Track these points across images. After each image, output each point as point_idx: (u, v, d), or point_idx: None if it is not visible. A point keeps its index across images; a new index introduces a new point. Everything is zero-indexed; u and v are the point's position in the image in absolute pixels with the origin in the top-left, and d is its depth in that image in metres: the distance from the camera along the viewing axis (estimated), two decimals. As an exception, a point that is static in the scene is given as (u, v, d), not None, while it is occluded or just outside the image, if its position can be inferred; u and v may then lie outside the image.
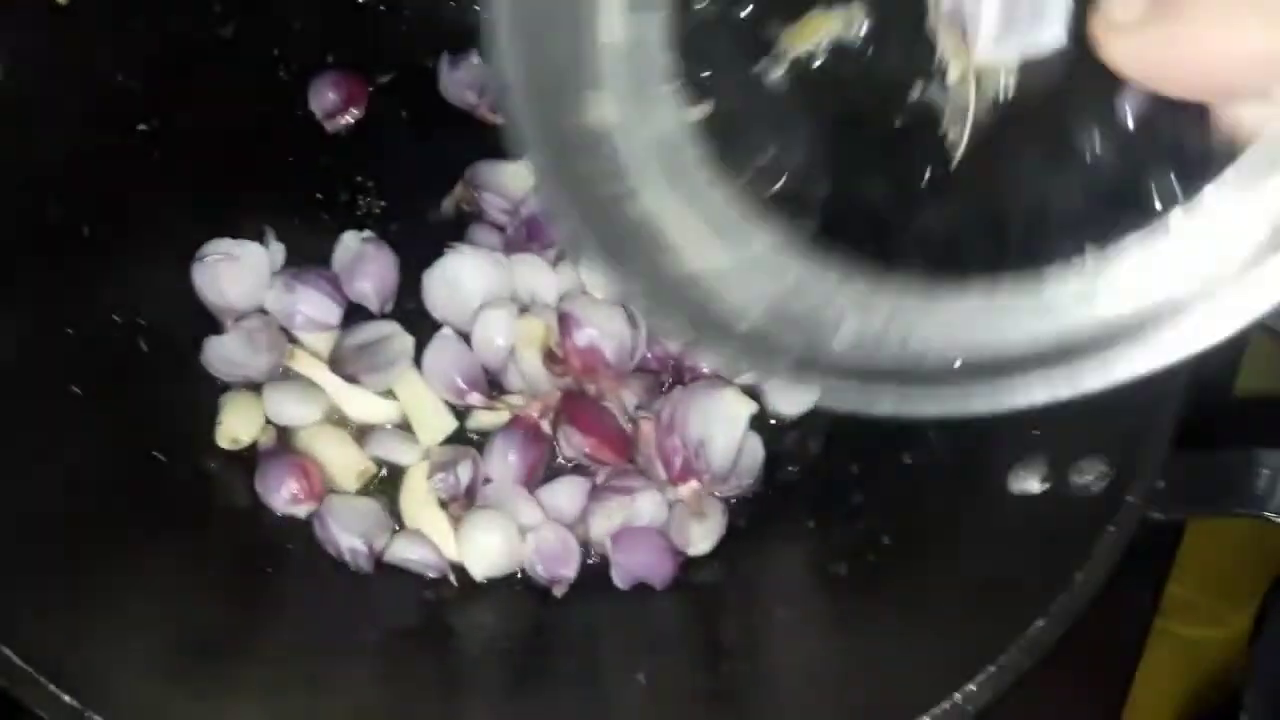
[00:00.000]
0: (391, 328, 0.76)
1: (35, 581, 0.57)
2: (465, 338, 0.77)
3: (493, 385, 0.77)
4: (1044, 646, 0.54)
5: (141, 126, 0.77)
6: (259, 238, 0.78)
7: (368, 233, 0.79)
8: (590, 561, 0.73)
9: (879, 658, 0.59)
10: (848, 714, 0.56)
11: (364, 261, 0.77)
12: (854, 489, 0.73)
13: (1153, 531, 0.91)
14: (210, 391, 0.75)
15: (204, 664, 0.60)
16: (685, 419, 0.72)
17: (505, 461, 0.73)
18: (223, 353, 0.75)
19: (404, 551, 0.70)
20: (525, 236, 0.79)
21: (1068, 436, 0.63)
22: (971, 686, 0.53)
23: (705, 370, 0.77)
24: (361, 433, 0.76)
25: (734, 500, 0.76)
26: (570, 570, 0.71)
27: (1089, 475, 0.61)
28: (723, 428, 0.73)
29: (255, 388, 0.75)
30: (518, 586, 0.72)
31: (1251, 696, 0.68)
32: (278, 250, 0.79)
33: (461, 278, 0.77)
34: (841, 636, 0.63)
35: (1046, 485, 0.63)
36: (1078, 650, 0.85)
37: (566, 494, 0.73)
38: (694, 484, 0.72)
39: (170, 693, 0.57)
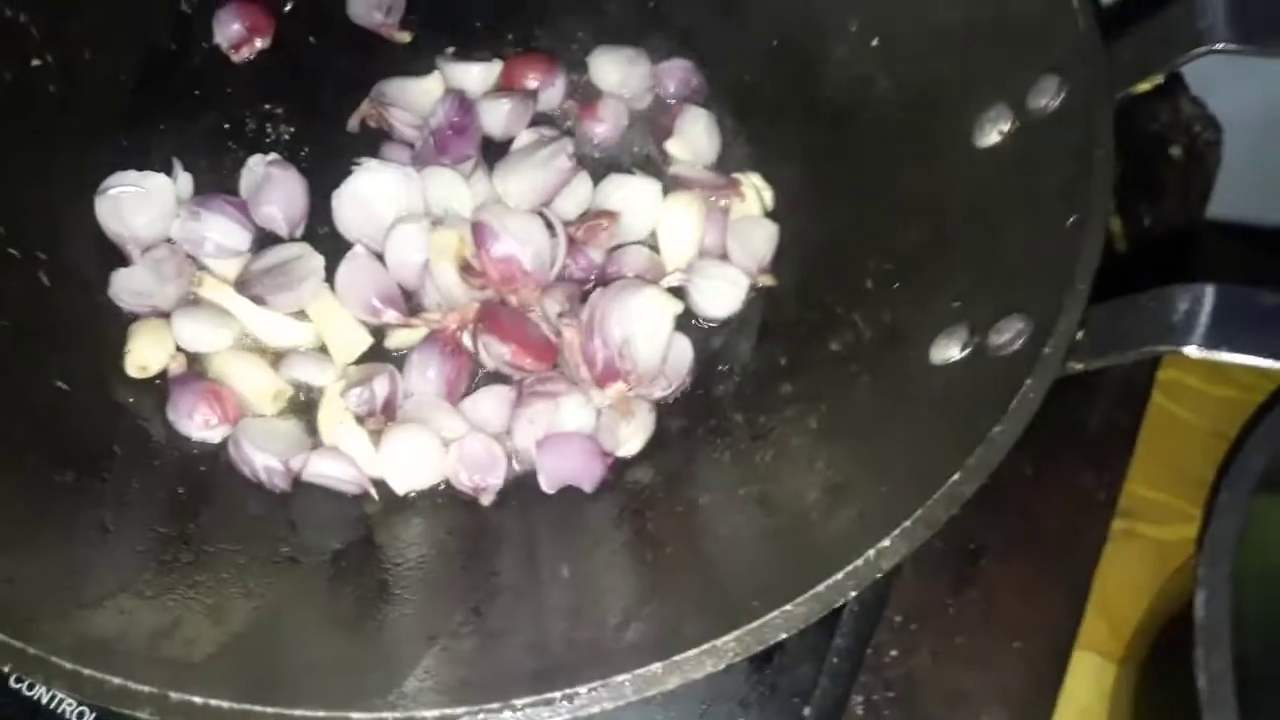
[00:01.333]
0: (300, 249, 0.74)
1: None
2: (379, 257, 0.75)
3: (410, 302, 0.75)
4: (958, 499, 0.52)
5: (35, 62, 0.75)
6: (166, 169, 0.76)
7: (273, 156, 0.77)
8: (518, 470, 0.71)
9: (800, 528, 0.58)
10: (767, 583, 0.53)
11: (270, 185, 0.75)
12: (783, 380, 0.72)
13: (1108, 428, 0.92)
14: (119, 326, 0.73)
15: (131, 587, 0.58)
16: (607, 320, 0.71)
17: (425, 376, 0.72)
18: (130, 284, 0.73)
19: (321, 468, 0.69)
20: (435, 150, 0.77)
21: (985, 301, 0.61)
22: (885, 542, 0.51)
23: (628, 273, 0.76)
24: (277, 357, 0.74)
25: (666, 402, 0.74)
26: (496, 478, 0.70)
27: (1007, 334, 0.59)
28: (646, 327, 0.71)
29: (165, 316, 0.73)
30: (442, 500, 0.71)
31: (1202, 591, 0.66)
32: (185, 180, 0.77)
33: (371, 195, 0.75)
34: (764, 515, 0.61)
35: (967, 351, 0.61)
36: (1040, 544, 0.86)
37: (489, 404, 0.72)
38: (620, 385, 0.70)
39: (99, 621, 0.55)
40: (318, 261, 0.73)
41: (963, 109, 0.69)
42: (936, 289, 0.66)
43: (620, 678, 0.47)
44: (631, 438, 0.71)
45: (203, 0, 0.84)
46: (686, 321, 0.76)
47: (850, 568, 0.51)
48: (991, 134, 0.68)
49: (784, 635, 0.48)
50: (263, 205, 0.75)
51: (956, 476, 0.53)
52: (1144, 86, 0.67)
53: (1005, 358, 0.58)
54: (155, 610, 0.56)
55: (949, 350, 0.62)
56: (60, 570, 0.56)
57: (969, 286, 0.64)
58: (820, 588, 0.50)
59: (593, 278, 0.77)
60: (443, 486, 0.71)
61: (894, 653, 0.80)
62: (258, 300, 0.71)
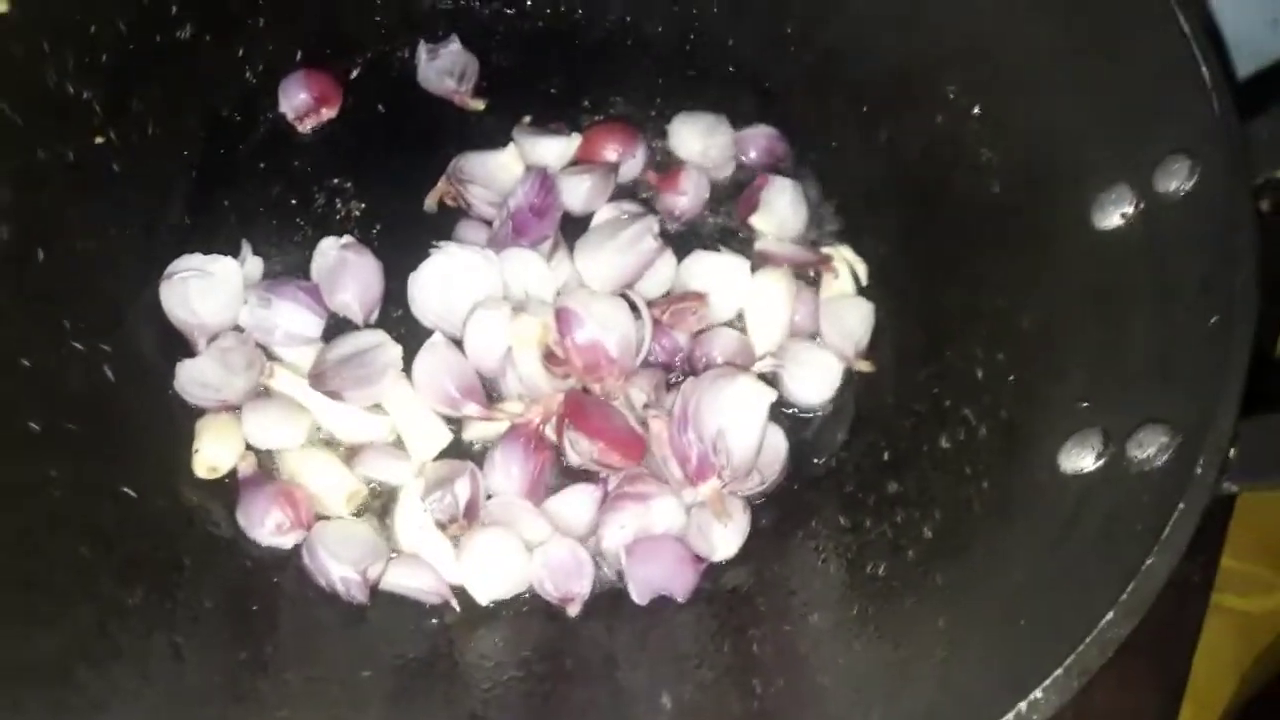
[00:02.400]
0: (377, 337, 0.70)
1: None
2: (457, 343, 0.71)
3: (489, 392, 0.71)
4: (1114, 642, 0.48)
5: (99, 139, 0.72)
6: (232, 251, 0.73)
7: (347, 238, 0.74)
8: (604, 575, 0.68)
9: (929, 666, 0.53)
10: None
11: (344, 269, 0.72)
12: (888, 478, 0.67)
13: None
14: (185, 418, 0.70)
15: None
16: (699, 411, 0.66)
17: (507, 474, 0.68)
18: (196, 376, 0.69)
19: (401, 578, 0.65)
20: (514, 232, 0.73)
21: (1123, 406, 0.56)
22: (1037, 694, 0.47)
23: (717, 358, 0.72)
24: (350, 452, 0.70)
25: (758, 499, 0.70)
26: (583, 586, 0.66)
27: (1150, 448, 0.54)
28: (740, 417, 0.67)
29: (233, 410, 0.70)
30: (526, 609, 0.67)
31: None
32: (254, 264, 0.74)
33: (449, 279, 0.71)
34: (886, 644, 0.56)
35: (1101, 461, 0.57)
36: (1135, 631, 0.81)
37: (575, 504, 0.68)
38: (714, 481, 0.66)
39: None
40: (396, 352, 0.69)
41: (1079, 188, 0.65)
42: (1056, 385, 0.62)
43: None
44: (728, 541, 0.67)
45: (268, 69, 0.80)
46: (776, 410, 0.71)
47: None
48: (1113, 216, 0.63)
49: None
50: (338, 293, 0.72)
51: (1110, 616, 0.48)
52: (1285, 171, 0.62)
53: (1148, 474, 0.54)
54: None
55: (1081, 459, 0.57)
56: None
57: (1095, 386, 0.60)
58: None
59: (678, 362, 0.73)
60: (527, 595, 0.67)
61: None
62: (335, 395, 0.68)
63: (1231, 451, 0.52)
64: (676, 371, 0.73)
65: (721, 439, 0.66)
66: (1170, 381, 0.56)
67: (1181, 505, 0.50)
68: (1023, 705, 0.47)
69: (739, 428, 0.67)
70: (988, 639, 0.52)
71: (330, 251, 0.73)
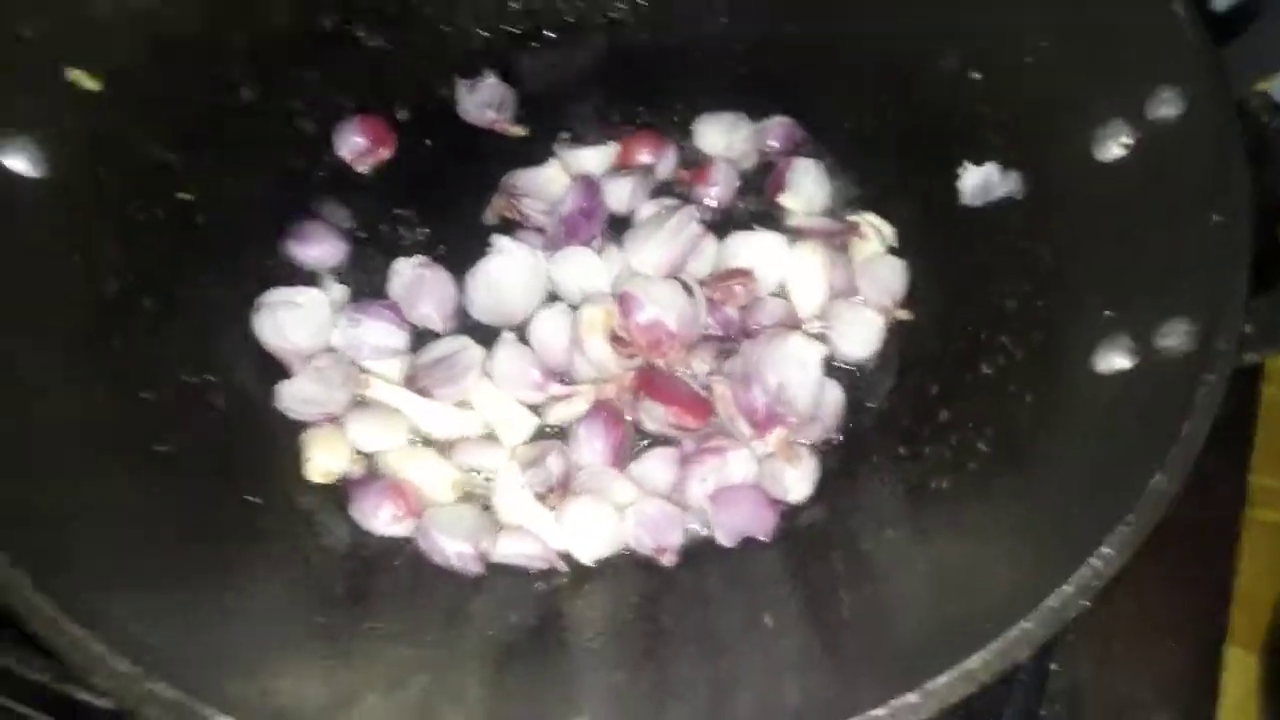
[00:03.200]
0: (461, 342, 0.78)
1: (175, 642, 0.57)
2: (522, 339, 0.78)
3: (562, 380, 0.78)
4: (1166, 498, 0.54)
5: (183, 195, 0.79)
6: (313, 283, 0.80)
7: (420, 258, 0.81)
8: (692, 527, 0.73)
9: (998, 557, 0.59)
10: (982, 616, 0.54)
11: (421, 286, 0.79)
12: (938, 408, 0.73)
13: (1227, 421, 0.92)
14: (285, 434, 0.76)
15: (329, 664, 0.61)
16: (760, 369, 0.73)
17: (592, 447, 0.74)
18: (298, 394, 0.76)
19: (511, 548, 0.71)
20: (566, 235, 0.80)
21: (1146, 308, 0.63)
22: (1105, 549, 0.52)
23: (767, 324, 0.78)
24: (447, 448, 0.76)
25: (823, 446, 0.76)
26: (675, 536, 0.71)
27: (1174, 337, 0.60)
28: (797, 370, 0.73)
29: (335, 420, 0.76)
30: (625, 566, 0.72)
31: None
32: (340, 290, 0.81)
33: (505, 279, 0.78)
34: (956, 548, 0.62)
35: (1136, 357, 0.63)
36: (1177, 540, 0.85)
37: (657, 466, 0.74)
38: (780, 430, 0.72)
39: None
40: (478, 353, 0.76)
41: (1076, 128, 0.71)
42: (1082, 302, 0.68)
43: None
44: (799, 482, 0.73)
45: (323, 119, 0.88)
46: (829, 367, 0.78)
47: (1076, 576, 0.52)
48: (1112, 148, 0.70)
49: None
50: (417, 307, 0.79)
51: (1158, 477, 0.54)
52: (1263, 85, 0.68)
53: (1177, 359, 0.60)
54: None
55: (1114, 360, 0.63)
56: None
57: (1118, 296, 0.66)
58: (1052, 600, 0.51)
59: (732, 334, 0.79)
60: (626, 552, 0.72)
61: (1054, 666, 0.79)
62: (425, 394, 0.74)
63: (1247, 327, 0.58)
64: (732, 342, 0.79)
65: (783, 390, 0.73)
66: (1185, 279, 0.62)
67: (1209, 375, 0.57)
68: (1094, 559, 0.52)
69: (797, 380, 0.74)
70: (1051, 524, 0.58)
71: (406, 271, 0.80)
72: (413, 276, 0.79)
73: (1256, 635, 0.83)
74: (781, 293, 0.81)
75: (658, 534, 0.71)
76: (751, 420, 0.73)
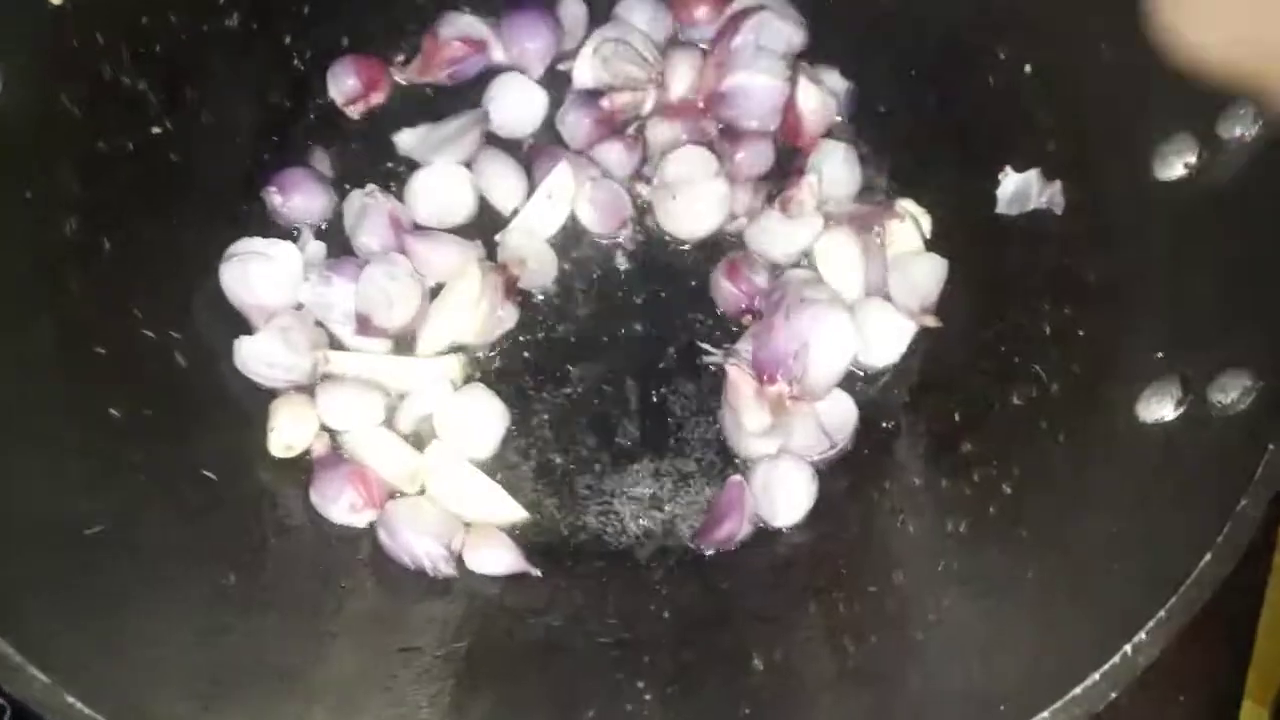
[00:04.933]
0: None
1: (94, 625, 0.53)
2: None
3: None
4: (1214, 583, 0.48)
5: (155, 130, 0.72)
6: (290, 235, 0.74)
7: (370, 186, 0.76)
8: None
9: (1023, 617, 0.54)
10: (998, 697, 0.49)
11: (364, 215, 0.75)
12: (961, 438, 0.67)
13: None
14: (254, 403, 0.70)
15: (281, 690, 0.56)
16: (795, 326, 0.69)
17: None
18: (257, 353, 0.70)
19: (481, 557, 0.66)
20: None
21: (1200, 353, 0.57)
22: (1142, 636, 0.47)
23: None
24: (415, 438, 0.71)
25: (828, 464, 0.71)
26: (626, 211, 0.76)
27: (1233, 392, 0.54)
28: (827, 345, 0.69)
29: (305, 391, 0.70)
30: (605, 567, 0.68)
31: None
32: (316, 247, 0.74)
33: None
34: (975, 598, 0.57)
35: (1183, 409, 0.57)
36: None
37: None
38: (782, 385, 0.69)
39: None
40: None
41: (1137, 139, 0.65)
42: (1128, 337, 0.62)
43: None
44: (791, 506, 0.68)
45: (315, 55, 0.80)
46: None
47: (1107, 667, 0.46)
48: (1176, 165, 0.63)
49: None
50: (358, 235, 0.74)
51: (1208, 558, 0.49)
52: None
53: (1232, 418, 0.54)
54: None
55: (1161, 409, 0.58)
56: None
57: (1170, 335, 0.60)
58: (1078, 690, 0.46)
59: (757, 304, 0.75)
60: (605, 551, 0.69)
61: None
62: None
63: (1317, 392, 0.53)
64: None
65: (804, 352, 0.68)
66: (1248, 325, 0.56)
67: (1271, 446, 0.51)
68: (1128, 648, 0.47)
69: (823, 352, 0.69)
70: (1083, 587, 0.53)
71: (355, 201, 0.75)
72: (359, 205, 0.75)
73: (1270, 689, 0.78)
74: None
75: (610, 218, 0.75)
76: (762, 369, 0.69)
